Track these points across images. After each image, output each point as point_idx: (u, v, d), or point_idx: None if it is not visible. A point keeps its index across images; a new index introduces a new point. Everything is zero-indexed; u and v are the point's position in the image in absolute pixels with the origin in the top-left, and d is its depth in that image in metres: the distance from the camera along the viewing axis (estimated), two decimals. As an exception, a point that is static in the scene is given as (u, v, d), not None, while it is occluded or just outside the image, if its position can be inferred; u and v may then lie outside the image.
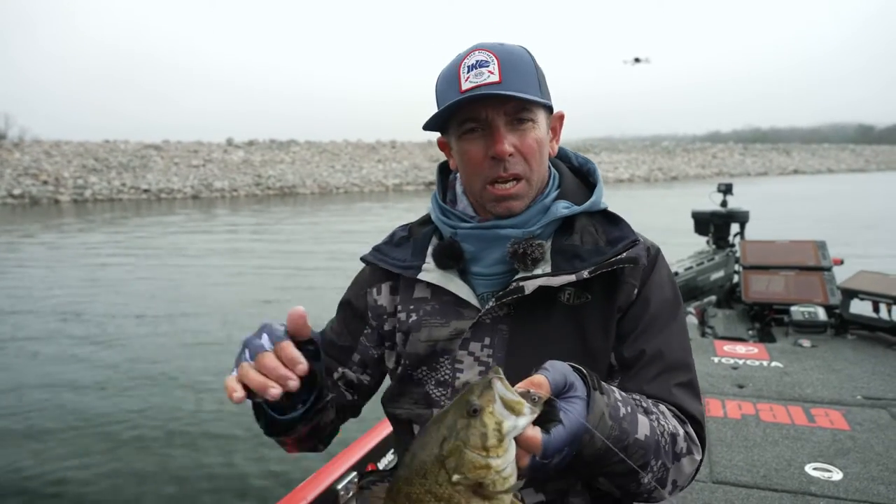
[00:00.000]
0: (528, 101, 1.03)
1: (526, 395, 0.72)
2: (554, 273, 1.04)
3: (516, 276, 1.06)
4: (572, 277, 1.02)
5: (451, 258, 1.10)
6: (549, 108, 1.10)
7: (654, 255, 1.12)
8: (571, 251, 1.06)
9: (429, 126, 1.10)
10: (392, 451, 2.55)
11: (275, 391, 0.82)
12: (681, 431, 0.98)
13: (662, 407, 1.00)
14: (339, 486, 2.23)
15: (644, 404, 0.96)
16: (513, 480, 0.70)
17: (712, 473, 2.47)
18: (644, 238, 1.12)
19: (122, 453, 4.68)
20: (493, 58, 1.01)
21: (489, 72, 1.00)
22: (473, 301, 1.10)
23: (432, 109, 1.09)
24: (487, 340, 1.08)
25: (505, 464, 0.69)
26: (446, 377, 1.11)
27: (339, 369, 1.21)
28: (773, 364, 3.81)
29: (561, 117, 1.15)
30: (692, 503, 2.28)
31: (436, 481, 0.70)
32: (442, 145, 1.17)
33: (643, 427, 0.90)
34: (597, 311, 1.06)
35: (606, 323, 1.06)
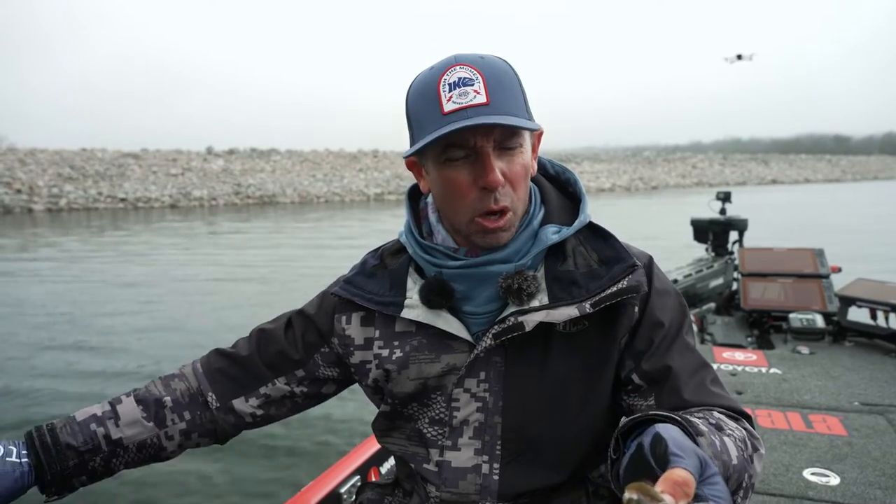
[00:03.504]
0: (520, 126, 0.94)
1: None
2: (552, 305, 0.98)
3: (512, 310, 0.99)
4: (574, 311, 0.97)
5: (440, 296, 1.03)
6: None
7: (649, 266, 1.05)
8: (567, 278, 1.00)
9: (411, 153, 0.99)
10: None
11: None
12: (745, 433, 0.92)
13: (717, 413, 0.94)
14: (343, 490, 2.23)
15: (713, 421, 0.88)
16: None
17: None
18: (634, 249, 1.06)
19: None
20: (477, 75, 0.91)
21: (475, 91, 0.91)
22: (464, 335, 1.03)
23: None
24: (483, 375, 1.03)
25: None
26: (441, 415, 1.06)
27: (270, 384, 1.16)
28: (772, 371, 3.77)
29: (540, 135, 1.04)
30: None
31: None
32: (411, 165, 1.07)
33: (732, 449, 0.83)
34: (596, 339, 1.01)
35: (607, 349, 1.01)
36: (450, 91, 0.92)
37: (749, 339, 4.84)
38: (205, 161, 47.75)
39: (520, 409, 1.02)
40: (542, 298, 0.99)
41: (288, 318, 1.20)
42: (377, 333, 1.11)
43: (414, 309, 1.05)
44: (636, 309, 1.01)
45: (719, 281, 5.80)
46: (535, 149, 1.04)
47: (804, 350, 4.20)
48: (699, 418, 0.86)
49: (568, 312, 0.97)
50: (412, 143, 0.99)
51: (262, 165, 48.94)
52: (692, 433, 0.75)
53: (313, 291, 1.22)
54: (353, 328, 1.13)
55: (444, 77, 0.93)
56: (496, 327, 0.99)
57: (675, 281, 5.23)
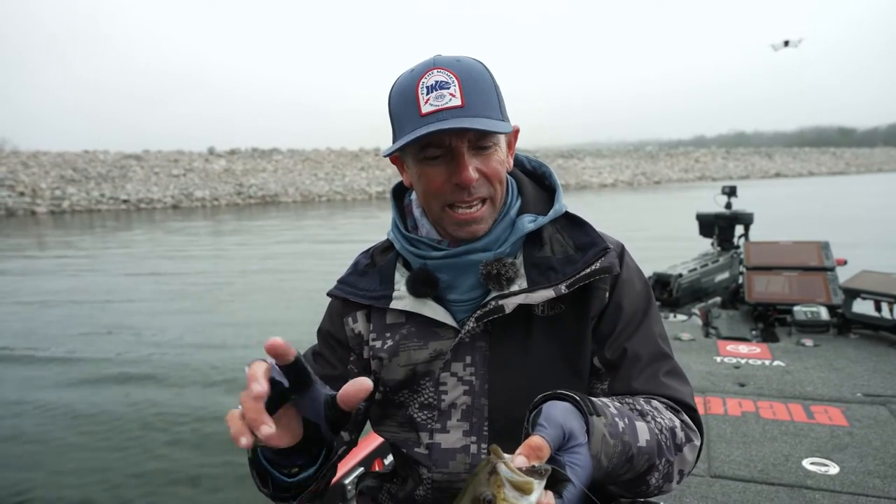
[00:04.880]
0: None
1: (532, 470, 0.69)
2: (531, 288, 1.04)
3: (493, 295, 1.06)
4: (551, 293, 1.03)
5: (426, 285, 1.09)
6: None
7: (621, 253, 1.12)
8: (545, 263, 1.06)
9: (389, 152, 1.07)
10: None
11: (245, 441, 0.72)
12: (677, 423, 0.99)
13: (655, 402, 1.00)
14: (347, 481, 2.25)
15: (638, 407, 0.95)
16: None
17: (710, 468, 2.47)
18: (607, 237, 1.12)
19: (124, 451, 4.56)
20: (453, 78, 0.97)
21: (450, 94, 0.97)
22: (450, 321, 1.08)
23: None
24: (468, 359, 1.08)
25: None
26: (430, 400, 1.11)
27: None
28: (775, 363, 3.78)
29: (516, 132, 1.10)
30: (690, 497, 2.25)
31: None
32: (395, 161, 1.14)
33: (643, 433, 0.90)
34: (572, 321, 1.07)
35: (582, 331, 1.07)
36: (427, 94, 0.97)
37: (754, 333, 4.81)
38: (206, 161, 47.84)
39: (505, 390, 1.07)
40: (521, 283, 1.05)
41: (313, 349, 1.25)
42: (372, 327, 1.17)
43: (402, 300, 1.10)
44: (607, 293, 1.08)
45: (725, 275, 5.78)
46: (511, 145, 1.10)
47: (808, 343, 4.18)
48: (624, 403, 0.94)
49: (545, 294, 1.03)
50: (394, 141, 1.05)
51: (264, 165, 49.02)
52: (586, 411, 0.80)
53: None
54: (360, 324, 1.18)
55: (423, 80, 0.98)
56: (479, 311, 1.05)
57: (681, 275, 5.23)
